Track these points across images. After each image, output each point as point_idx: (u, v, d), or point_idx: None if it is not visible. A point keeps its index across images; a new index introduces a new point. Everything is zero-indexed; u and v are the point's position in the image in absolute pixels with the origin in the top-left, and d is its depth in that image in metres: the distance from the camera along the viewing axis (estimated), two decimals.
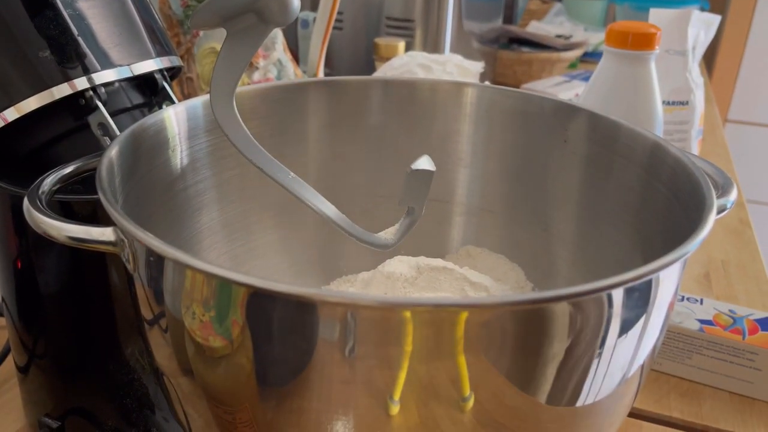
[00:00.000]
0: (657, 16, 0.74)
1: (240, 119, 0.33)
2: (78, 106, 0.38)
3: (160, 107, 0.42)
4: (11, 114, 0.37)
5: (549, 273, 0.44)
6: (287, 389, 0.26)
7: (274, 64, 0.79)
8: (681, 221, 0.33)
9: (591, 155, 0.41)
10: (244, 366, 0.26)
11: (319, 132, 0.47)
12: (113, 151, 0.33)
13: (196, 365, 0.28)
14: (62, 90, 0.37)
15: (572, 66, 1.28)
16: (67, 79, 0.37)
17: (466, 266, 0.40)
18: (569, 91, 1.07)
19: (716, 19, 0.78)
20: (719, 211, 0.32)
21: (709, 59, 1.77)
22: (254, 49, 0.31)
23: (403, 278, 0.37)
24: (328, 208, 0.33)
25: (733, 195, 0.34)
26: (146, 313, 0.30)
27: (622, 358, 0.28)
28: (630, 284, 0.24)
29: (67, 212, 0.37)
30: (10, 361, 0.46)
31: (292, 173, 0.33)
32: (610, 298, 0.24)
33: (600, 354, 0.27)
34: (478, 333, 0.24)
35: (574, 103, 0.42)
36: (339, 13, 1.01)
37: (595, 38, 1.42)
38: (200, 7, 0.29)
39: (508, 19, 1.42)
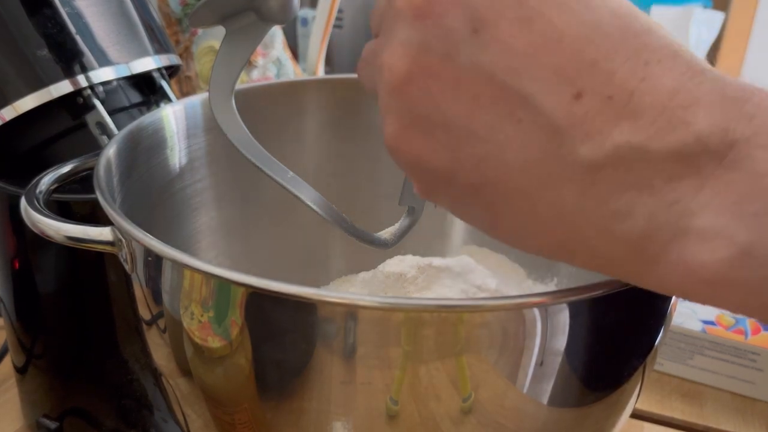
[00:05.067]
0: (659, 13, 0.74)
1: (239, 118, 0.32)
2: (76, 104, 0.38)
3: (159, 106, 0.42)
4: (9, 113, 0.37)
5: (550, 272, 0.43)
6: (287, 390, 0.26)
7: (273, 62, 0.78)
8: None
9: None
10: (243, 366, 0.26)
11: (318, 131, 0.46)
12: (111, 150, 0.33)
13: (195, 366, 0.28)
14: (60, 88, 0.37)
15: None
16: (65, 77, 0.37)
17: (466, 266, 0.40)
18: None
19: (719, 16, 0.78)
20: None
21: (711, 57, 1.77)
22: (253, 48, 0.31)
23: (403, 278, 0.37)
24: (327, 207, 0.33)
25: None
26: (144, 313, 0.30)
27: (623, 359, 0.28)
28: (632, 284, 0.24)
29: (65, 212, 0.36)
30: (8, 361, 0.46)
31: (291, 172, 0.33)
32: (611, 297, 0.24)
33: (601, 354, 0.27)
34: (479, 333, 0.24)
35: None
36: (339, 11, 1.01)
37: None
38: (199, 6, 0.29)
39: None
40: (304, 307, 0.24)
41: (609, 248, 0.18)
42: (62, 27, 0.37)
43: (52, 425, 0.42)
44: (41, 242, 0.31)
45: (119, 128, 0.37)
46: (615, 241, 0.18)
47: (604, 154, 0.17)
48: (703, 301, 0.18)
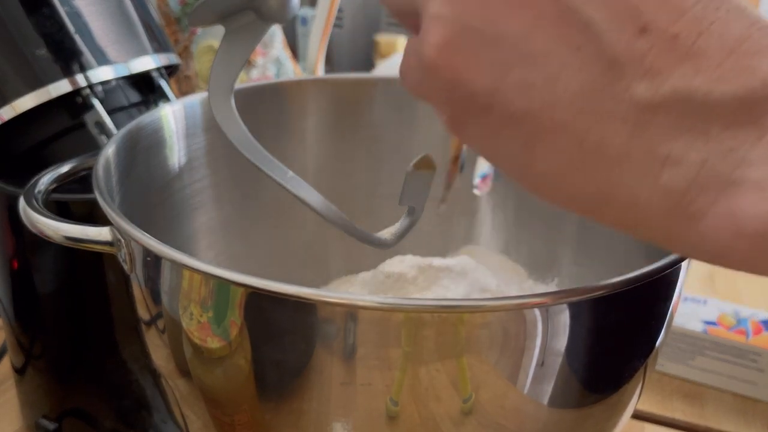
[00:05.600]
0: None
1: (239, 117, 0.32)
2: (75, 104, 0.37)
3: (158, 105, 0.42)
4: (7, 112, 0.36)
5: (551, 273, 0.43)
6: (286, 391, 0.26)
7: (272, 61, 0.78)
8: None
9: None
10: (243, 367, 0.26)
11: (318, 130, 0.46)
12: (110, 150, 0.33)
13: (194, 366, 0.28)
14: (59, 88, 0.36)
15: None
16: (64, 77, 0.37)
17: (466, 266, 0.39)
18: None
19: None
20: None
21: None
22: (253, 47, 0.31)
23: (403, 278, 0.37)
24: (327, 207, 0.33)
25: None
26: (143, 313, 0.30)
27: (624, 360, 0.28)
28: (633, 284, 0.24)
29: (64, 212, 0.36)
30: (6, 362, 0.46)
31: (290, 172, 0.33)
32: (611, 298, 0.24)
33: (602, 355, 0.26)
34: (479, 334, 0.24)
35: None
36: (339, 10, 1.01)
37: None
38: (198, 5, 0.29)
39: None
40: (304, 307, 0.23)
41: (652, 198, 0.17)
42: (61, 26, 0.37)
43: (51, 426, 0.42)
44: (40, 242, 0.31)
45: (118, 128, 0.37)
46: (660, 191, 0.17)
47: (662, 95, 0.17)
48: (741, 263, 0.17)
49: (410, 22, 0.22)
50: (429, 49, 0.19)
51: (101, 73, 0.37)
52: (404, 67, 0.22)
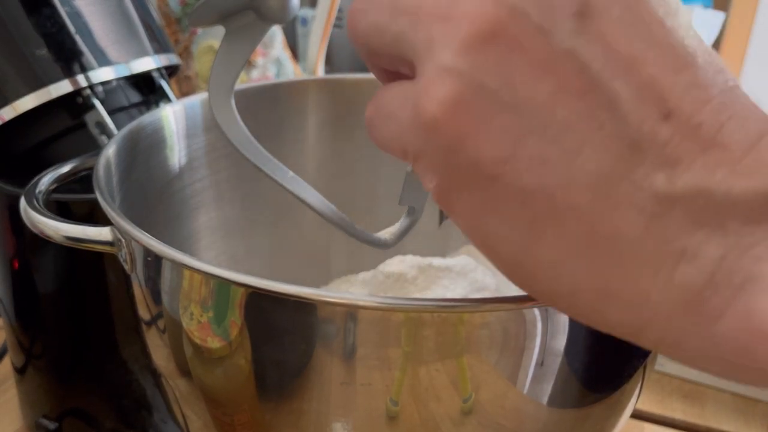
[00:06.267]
0: None
1: (239, 118, 0.32)
2: (75, 104, 0.38)
3: (158, 106, 0.42)
4: (8, 113, 0.37)
5: None
6: (286, 391, 0.26)
7: (273, 62, 0.78)
8: None
9: None
10: (243, 367, 0.26)
11: (318, 131, 0.46)
12: (110, 150, 0.33)
13: (194, 366, 0.28)
14: (60, 88, 0.36)
15: None
16: (65, 77, 0.37)
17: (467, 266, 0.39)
18: None
19: (719, 16, 0.78)
20: None
21: None
22: (253, 47, 0.31)
23: (403, 278, 0.37)
24: (327, 207, 0.33)
25: None
26: (144, 313, 0.30)
27: (624, 359, 0.28)
28: None
29: (64, 212, 0.36)
30: (7, 362, 0.46)
31: (291, 172, 0.33)
32: None
33: (601, 354, 0.26)
34: (479, 334, 0.24)
35: None
36: (339, 11, 1.01)
37: None
38: (198, 5, 0.29)
39: None
40: (304, 307, 0.23)
41: (664, 295, 0.16)
42: (61, 26, 0.37)
43: (51, 426, 0.42)
44: (40, 242, 0.31)
45: (119, 128, 0.37)
46: (674, 287, 0.16)
47: (682, 187, 0.16)
48: (760, 371, 0.16)
49: (393, 71, 0.20)
50: (432, 105, 0.17)
51: (102, 74, 0.37)
52: (380, 114, 0.20)
